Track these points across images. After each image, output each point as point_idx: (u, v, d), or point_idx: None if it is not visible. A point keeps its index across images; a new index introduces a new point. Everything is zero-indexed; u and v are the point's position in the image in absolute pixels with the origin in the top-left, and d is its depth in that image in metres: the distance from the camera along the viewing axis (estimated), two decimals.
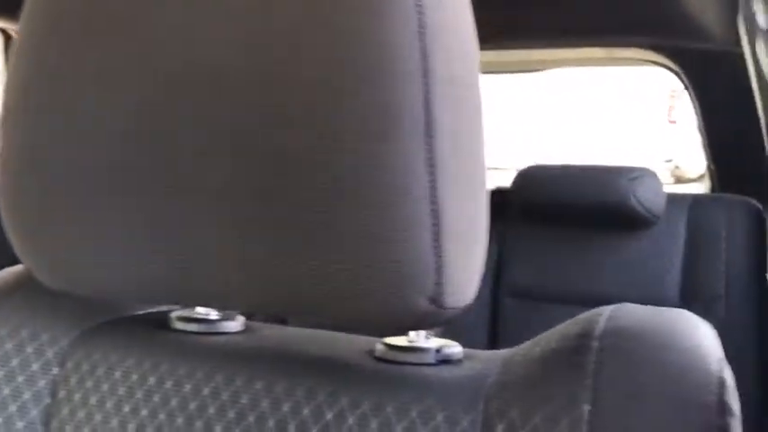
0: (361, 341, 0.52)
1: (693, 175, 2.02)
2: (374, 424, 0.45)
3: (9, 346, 0.55)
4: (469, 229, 0.41)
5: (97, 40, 0.42)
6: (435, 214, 0.38)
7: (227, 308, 0.54)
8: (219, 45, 0.39)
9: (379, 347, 0.50)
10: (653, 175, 1.50)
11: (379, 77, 0.37)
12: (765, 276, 1.43)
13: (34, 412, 0.54)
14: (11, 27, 1.57)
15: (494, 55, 1.72)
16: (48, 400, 0.54)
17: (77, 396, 0.53)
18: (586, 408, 0.41)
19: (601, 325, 0.45)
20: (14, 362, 0.55)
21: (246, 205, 0.40)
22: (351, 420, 0.46)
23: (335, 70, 0.37)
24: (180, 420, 0.49)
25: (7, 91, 0.46)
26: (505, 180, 1.65)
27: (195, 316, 0.55)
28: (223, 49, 0.39)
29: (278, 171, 0.39)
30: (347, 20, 0.37)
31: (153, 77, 0.41)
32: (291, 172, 0.39)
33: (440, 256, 0.39)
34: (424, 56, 0.37)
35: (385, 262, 0.39)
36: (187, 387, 0.50)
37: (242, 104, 0.39)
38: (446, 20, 0.39)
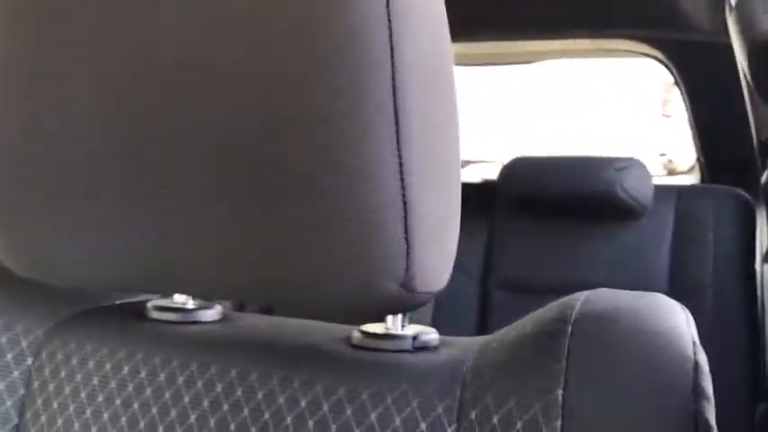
0: (338, 329, 0.52)
1: (685, 168, 2.03)
2: (349, 411, 0.45)
3: None
4: (441, 214, 0.41)
5: (89, 37, 0.42)
6: (405, 200, 0.38)
7: (205, 296, 0.54)
8: (210, 44, 0.39)
9: (356, 335, 0.50)
10: (641, 165, 1.50)
11: (347, 61, 0.37)
12: (753, 266, 1.44)
13: (8, 403, 0.54)
14: None
15: (482, 47, 1.72)
16: (22, 391, 0.54)
17: (51, 386, 0.53)
18: (560, 392, 0.41)
19: (576, 310, 0.45)
20: None
21: (224, 195, 0.40)
22: (325, 407, 0.46)
23: (303, 55, 0.37)
24: (154, 409, 0.49)
25: None
26: (495, 173, 1.65)
27: (172, 305, 0.55)
28: (212, 49, 0.39)
29: (252, 162, 0.39)
30: (317, 5, 0.37)
31: (145, 76, 0.41)
32: (265, 162, 0.39)
33: (410, 242, 0.39)
34: (392, 40, 0.37)
35: (355, 247, 0.39)
36: (162, 376, 0.50)
37: (218, 103, 0.39)
38: (415, 4, 0.38)
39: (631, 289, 0.48)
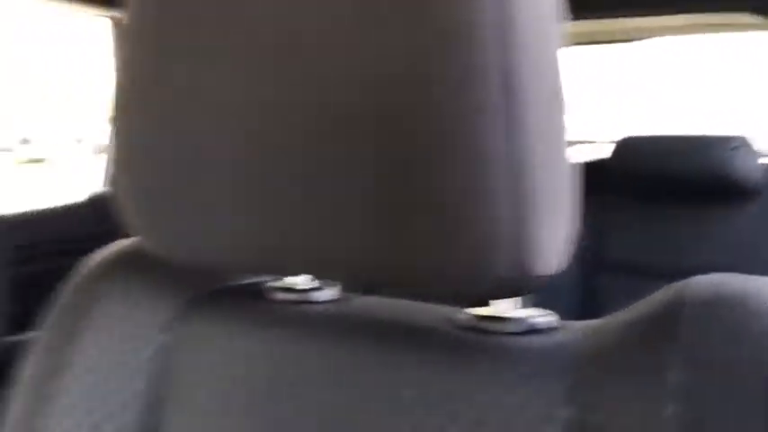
0: (450, 311, 0.52)
1: None
2: (459, 393, 0.45)
3: (116, 315, 0.58)
4: (554, 193, 0.41)
5: (209, 34, 0.44)
6: (516, 179, 0.38)
7: (321, 278, 0.54)
8: (320, 33, 0.41)
9: (467, 317, 0.50)
10: (752, 144, 1.44)
11: (456, 43, 0.37)
12: None
13: (139, 382, 0.56)
14: (119, 15, 1.64)
15: (591, 24, 1.68)
16: (151, 368, 0.56)
17: (179, 365, 0.56)
18: (675, 376, 0.40)
19: (693, 293, 0.43)
20: (121, 331, 0.58)
21: (340, 178, 0.41)
22: (435, 390, 0.46)
23: (418, 31, 0.38)
24: (271, 386, 0.51)
25: (123, 76, 0.49)
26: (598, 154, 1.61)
27: (288, 286, 0.57)
28: (324, 39, 0.41)
29: (367, 145, 0.40)
30: None
31: (263, 73, 0.43)
32: (379, 146, 0.40)
33: (522, 222, 0.39)
34: (503, 20, 0.37)
35: (469, 229, 0.39)
36: (278, 356, 0.52)
37: (333, 89, 0.40)
38: None
39: (743, 272, 0.46)
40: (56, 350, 0.58)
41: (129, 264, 0.60)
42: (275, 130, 0.43)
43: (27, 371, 0.59)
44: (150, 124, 0.48)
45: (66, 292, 0.61)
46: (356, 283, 0.49)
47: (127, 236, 0.63)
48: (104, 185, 1.79)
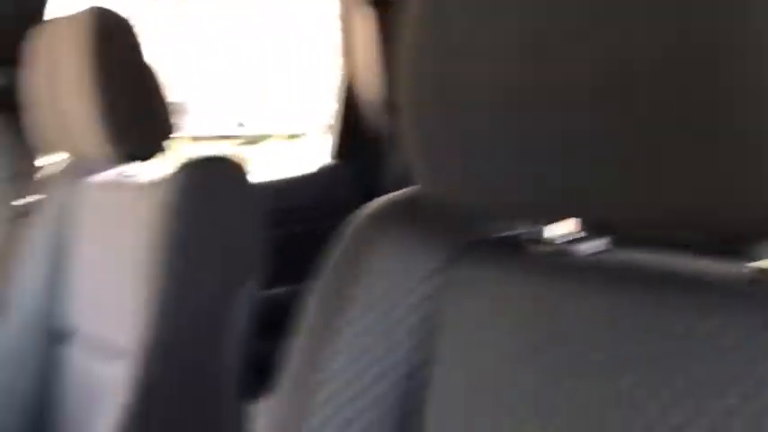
0: (728, 266, 0.50)
1: None
2: (752, 344, 0.43)
3: (384, 266, 0.61)
4: None
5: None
6: None
7: (598, 225, 0.54)
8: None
9: (751, 270, 0.47)
10: None
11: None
12: None
13: (403, 329, 0.60)
14: None
15: None
16: (415, 317, 0.59)
17: (440, 313, 0.58)
18: None
19: None
20: (388, 280, 0.61)
21: (626, 121, 0.43)
22: (725, 341, 0.44)
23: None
24: (542, 336, 0.52)
25: (406, 46, 0.53)
26: None
27: (547, 239, 0.57)
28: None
29: (657, 88, 0.41)
30: None
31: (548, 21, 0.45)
32: (681, 97, 0.40)
33: None
34: None
35: (753, 169, 0.39)
36: (549, 305, 0.52)
37: (630, 29, 0.41)
38: None
39: None
40: (333, 297, 0.63)
41: (397, 216, 0.64)
42: (560, 79, 0.44)
43: (308, 316, 0.64)
44: (436, 83, 0.51)
45: (341, 243, 0.65)
46: (642, 232, 0.49)
47: (358, 203, 0.68)
48: (331, 157, 1.92)
